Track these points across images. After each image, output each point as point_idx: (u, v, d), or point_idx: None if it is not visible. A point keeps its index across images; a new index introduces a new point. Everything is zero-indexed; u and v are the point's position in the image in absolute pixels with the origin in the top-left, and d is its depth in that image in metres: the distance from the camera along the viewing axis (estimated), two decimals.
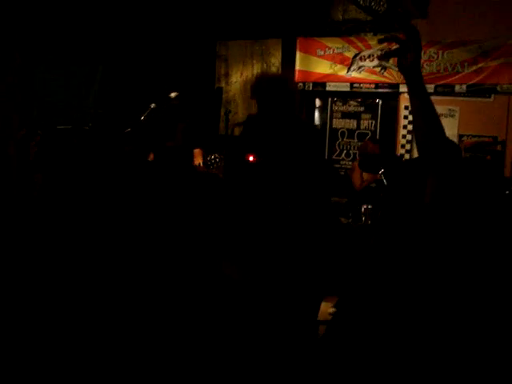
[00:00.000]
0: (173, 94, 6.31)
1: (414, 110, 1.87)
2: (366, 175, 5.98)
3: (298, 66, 8.20)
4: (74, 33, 7.13)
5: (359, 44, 7.77)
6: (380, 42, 2.06)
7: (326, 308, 2.84)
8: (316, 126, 3.83)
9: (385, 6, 6.38)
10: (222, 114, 8.39)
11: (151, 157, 5.76)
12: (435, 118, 1.84)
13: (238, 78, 8.72)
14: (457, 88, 7.19)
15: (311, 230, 3.61)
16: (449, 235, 1.77)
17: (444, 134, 1.82)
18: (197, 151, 6.47)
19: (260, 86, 3.78)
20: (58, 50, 7.09)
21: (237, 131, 8.38)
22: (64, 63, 7.19)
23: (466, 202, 1.82)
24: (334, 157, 8.09)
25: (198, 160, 6.40)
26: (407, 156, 7.54)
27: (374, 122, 7.95)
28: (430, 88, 7.14)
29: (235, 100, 8.73)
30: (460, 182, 1.79)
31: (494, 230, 1.83)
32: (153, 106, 6.28)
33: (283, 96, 3.68)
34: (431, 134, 1.80)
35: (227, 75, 8.80)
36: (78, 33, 7.18)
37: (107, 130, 6.80)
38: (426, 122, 1.81)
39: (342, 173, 7.57)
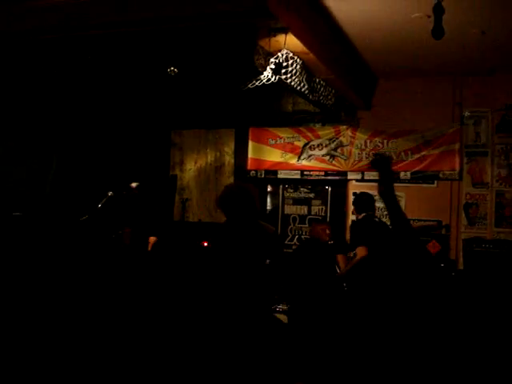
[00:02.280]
0: (134, 184, 6.55)
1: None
2: None
3: (250, 155, 8.45)
4: (29, 122, 7.24)
5: (308, 134, 8.09)
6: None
7: None
8: (273, 229, 4.24)
9: (332, 99, 6.69)
10: (177, 200, 8.52)
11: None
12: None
13: (192, 166, 8.91)
14: (402, 175, 7.49)
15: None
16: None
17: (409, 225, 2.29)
18: (152, 239, 6.58)
19: (227, 199, 4.07)
20: (13, 141, 7.17)
21: (191, 218, 8.52)
22: (19, 153, 7.26)
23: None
24: (286, 242, 8.24)
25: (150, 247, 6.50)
26: None
27: (324, 207, 8.18)
28: (376, 175, 7.38)
29: (189, 187, 8.88)
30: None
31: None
32: (110, 193, 6.43)
33: (248, 206, 4.02)
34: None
35: (182, 163, 8.98)
36: (34, 122, 7.29)
37: (61, 216, 6.84)
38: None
39: None
